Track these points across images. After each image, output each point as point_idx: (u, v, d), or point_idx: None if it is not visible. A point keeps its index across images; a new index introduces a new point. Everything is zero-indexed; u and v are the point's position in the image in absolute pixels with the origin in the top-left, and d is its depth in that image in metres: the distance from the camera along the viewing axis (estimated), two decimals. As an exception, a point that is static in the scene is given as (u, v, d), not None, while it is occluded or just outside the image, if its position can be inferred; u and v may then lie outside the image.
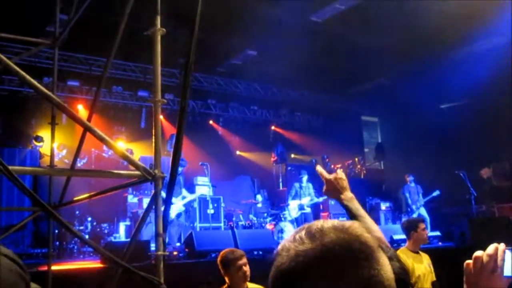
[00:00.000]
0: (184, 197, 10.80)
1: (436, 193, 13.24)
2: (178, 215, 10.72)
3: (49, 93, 2.56)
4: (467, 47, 13.09)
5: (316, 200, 12.72)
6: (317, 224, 1.05)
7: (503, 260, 1.36)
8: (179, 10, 6.72)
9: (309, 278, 0.97)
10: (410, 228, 5.96)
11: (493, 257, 1.35)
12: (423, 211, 13.31)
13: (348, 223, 1.06)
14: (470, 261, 1.38)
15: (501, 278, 1.35)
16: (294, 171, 14.95)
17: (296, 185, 12.82)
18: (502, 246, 1.38)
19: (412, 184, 13.72)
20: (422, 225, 5.89)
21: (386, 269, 1.02)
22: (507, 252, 1.37)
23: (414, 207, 13.47)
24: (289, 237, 1.07)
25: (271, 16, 10.74)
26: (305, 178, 12.76)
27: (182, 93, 2.77)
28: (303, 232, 1.04)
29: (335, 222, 1.06)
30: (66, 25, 4.88)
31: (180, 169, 10.81)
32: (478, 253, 1.38)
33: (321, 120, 18.33)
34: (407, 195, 13.63)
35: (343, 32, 12.26)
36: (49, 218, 4.11)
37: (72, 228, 2.95)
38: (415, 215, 13.18)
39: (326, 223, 1.05)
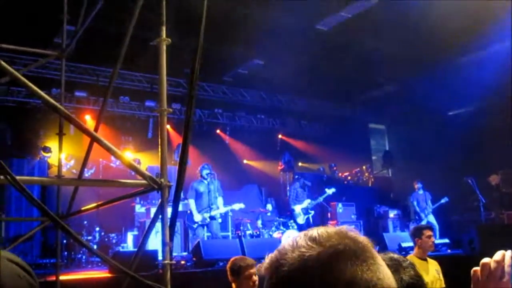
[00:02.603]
0: (211, 209, 10.60)
1: (444, 200, 13.19)
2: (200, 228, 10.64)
3: (57, 104, 2.59)
4: (475, 53, 13.06)
5: (314, 202, 12.68)
6: (313, 230, 1.08)
7: (511, 266, 1.35)
8: (185, 20, 6.78)
9: (307, 281, 0.98)
10: (416, 235, 5.95)
11: (501, 263, 1.35)
12: (431, 219, 13.25)
13: (344, 227, 1.08)
14: (477, 268, 1.38)
15: (509, 285, 1.35)
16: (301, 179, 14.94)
17: (297, 185, 12.71)
18: (509, 252, 1.37)
19: (421, 191, 13.67)
20: (427, 232, 5.86)
21: (384, 270, 1.03)
22: None
23: (422, 214, 13.41)
24: (288, 243, 1.08)
25: (277, 25, 10.77)
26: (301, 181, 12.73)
27: (187, 103, 2.79)
28: (301, 239, 1.06)
29: (331, 227, 1.08)
30: (73, 37, 4.94)
31: (206, 180, 10.76)
32: (485, 260, 1.37)
33: (328, 128, 18.31)
34: (415, 203, 13.57)
35: (349, 40, 12.29)
36: (57, 228, 4.14)
37: (80, 239, 2.97)
38: (423, 223, 13.11)
39: (320, 229, 1.08)
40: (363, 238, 1.06)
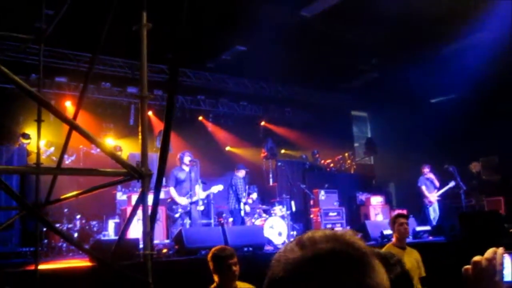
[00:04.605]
0: (191, 196, 10.57)
1: (451, 184, 13.04)
2: (183, 216, 10.56)
3: (32, 89, 2.50)
4: (457, 41, 13.11)
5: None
6: (308, 233, 1.04)
7: (502, 264, 1.32)
8: (167, 4, 6.67)
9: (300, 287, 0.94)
10: (390, 223, 6.06)
11: (492, 261, 1.31)
12: (436, 203, 13.32)
13: (340, 231, 1.03)
14: (468, 266, 1.34)
15: (501, 283, 1.31)
16: (284, 166, 14.93)
17: (240, 178, 12.07)
18: (500, 250, 1.34)
19: (428, 175, 13.58)
20: (399, 220, 5.94)
21: (382, 276, 0.99)
22: (506, 256, 1.34)
23: (432, 198, 13.33)
24: (282, 248, 1.05)
25: (260, 11, 10.68)
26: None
27: (169, 88, 2.73)
28: (294, 243, 1.02)
29: (326, 231, 1.03)
30: (51, 21, 4.81)
31: (186, 168, 10.73)
32: (476, 258, 1.34)
33: (311, 115, 18.30)
34: (423, 187, 13.49)
35: (333, 27, 12.24)
36: (34, 218, 4.05)
37: (57, 228, 2.90)
38: (431, 209, 13.20)
39: (317, 232, 1.04)
40: (360, 243, 1.01)
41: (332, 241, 0.99)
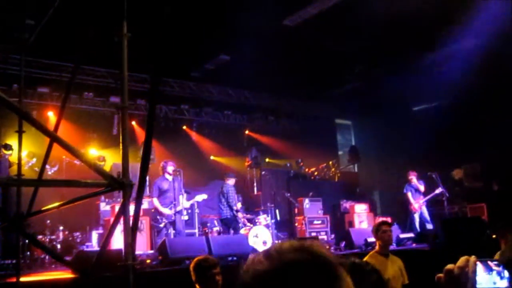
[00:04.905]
0: (175, 205, 10.45)
1: (438, 190, 12.94)
2: (167, 226, 10.48)
3: (12, 101, 2.48)
4: (440, 49, 13.25)
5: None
6: (276, 245, 1.06)
7: (475, 272, 1.33)
8: (150, 14, 6.67)
9: None
10: (373, 231, 6.05)
11: (464, 269, 1.33)
12: (424, 210, 13.30)
13: (307, 242, 1.05)
14: (441, 274, 1.36)
15: None
16: (268, 175, 14.93)
17: (231, 186, 12.23)
18: (473, 258, 1.36)
19: (414, 181, 13.62)
20: (382, 228, 5.92)
21: (348, 285, 1.00)
22: (479, 264, 1.35)
23: (417, 205, 13.31)
24: (250, 259, 1.06)
25: (244, 20, 10.71)
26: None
27: (149, 99, 2.73)
28: (261, 254, 1.04)
29: (294, 242, 1.04)
30: (34, 31, 4.80)
31: (169, 177, 10.63)
32: (449, 266, 1.35)
33: (295, 124, 18.35)
34: (409, 194, 13.51)
35: (316, 36, 12.31)
36: (15, 230, 4.01)
37: (37, 240, 2.88)
38: (417, 215, 13.19)
39: (284, 243, 1.05)
40: (327, 254, 1.02)
41: (299, 252, 1.00)
